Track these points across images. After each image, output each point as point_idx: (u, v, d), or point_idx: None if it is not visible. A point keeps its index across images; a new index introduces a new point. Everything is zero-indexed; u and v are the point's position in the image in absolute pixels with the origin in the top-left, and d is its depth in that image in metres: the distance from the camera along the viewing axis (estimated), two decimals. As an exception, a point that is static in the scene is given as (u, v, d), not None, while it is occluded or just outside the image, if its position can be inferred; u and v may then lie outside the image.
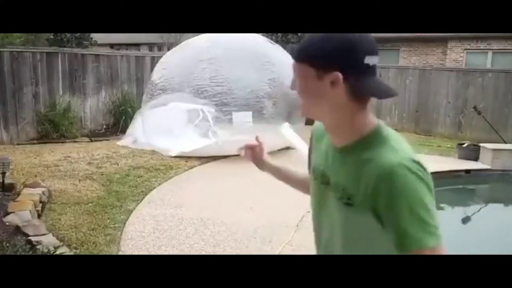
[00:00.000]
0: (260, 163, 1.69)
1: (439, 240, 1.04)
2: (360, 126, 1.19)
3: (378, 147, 1.14)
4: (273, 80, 7.52)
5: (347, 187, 1.18)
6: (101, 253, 3.67)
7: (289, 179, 1.67)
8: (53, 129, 8.20)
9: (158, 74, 8.05)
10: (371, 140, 1.17)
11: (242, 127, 6.83)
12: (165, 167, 6.45)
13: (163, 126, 7.36)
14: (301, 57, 1.17)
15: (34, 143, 7.87)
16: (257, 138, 1.68)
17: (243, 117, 7.04)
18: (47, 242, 3.54)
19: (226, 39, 7.44)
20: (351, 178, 1.17)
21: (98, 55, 9.67)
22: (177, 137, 7.15)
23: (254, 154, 1.68)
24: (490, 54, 13.50)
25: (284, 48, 8.55)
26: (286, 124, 7.17)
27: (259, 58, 7.72)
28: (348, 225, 1.20)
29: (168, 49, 10.23)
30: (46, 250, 3.36)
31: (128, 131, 8.26)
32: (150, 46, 22.12)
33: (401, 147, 1.13)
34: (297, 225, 4.39)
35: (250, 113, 7.11)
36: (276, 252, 3.86)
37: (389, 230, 1.08)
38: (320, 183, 1.31)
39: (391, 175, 1.06)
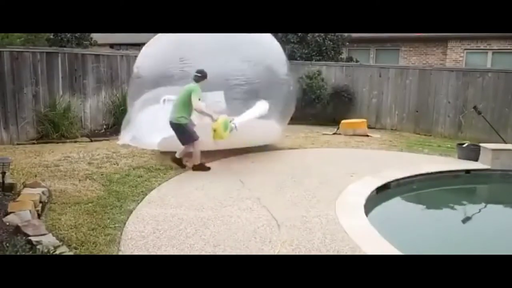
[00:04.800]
0: None
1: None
2: None
3: None
4: (246, 59, 6.93)
5: None
6: (101, 253, 3.67)
7: None
8: (53, 129, 8.20)
9: (139, 66, 7.58)
10: None
11: (214, 107, 6.44)
12: (165, 167, 6.45)
13: (149, 121, 6.94)
14: None
15: (34, 143, 7.87)
16: None
17: (215, 97, 6.64)
18: (47, 242, 3.54)
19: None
20: None
21: (98, 55, 9.68)
22: (161, 129, 6.54)
23: None
24: (490, 54, 13.50)
25: (284, 48, 8.40)
26: (221, 93, 6.75)
27: (231, 38, 6.94)
28: None
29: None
30: (46, 250, 3.36)
31: (122, 128, 7.99)
32: (150, 46, 22.08)
33: None
34: (297, 225, 4.40)
35: (222, 92, 6.68)
36: (276, 252, 3.86)
37: None
38: None
39: None
